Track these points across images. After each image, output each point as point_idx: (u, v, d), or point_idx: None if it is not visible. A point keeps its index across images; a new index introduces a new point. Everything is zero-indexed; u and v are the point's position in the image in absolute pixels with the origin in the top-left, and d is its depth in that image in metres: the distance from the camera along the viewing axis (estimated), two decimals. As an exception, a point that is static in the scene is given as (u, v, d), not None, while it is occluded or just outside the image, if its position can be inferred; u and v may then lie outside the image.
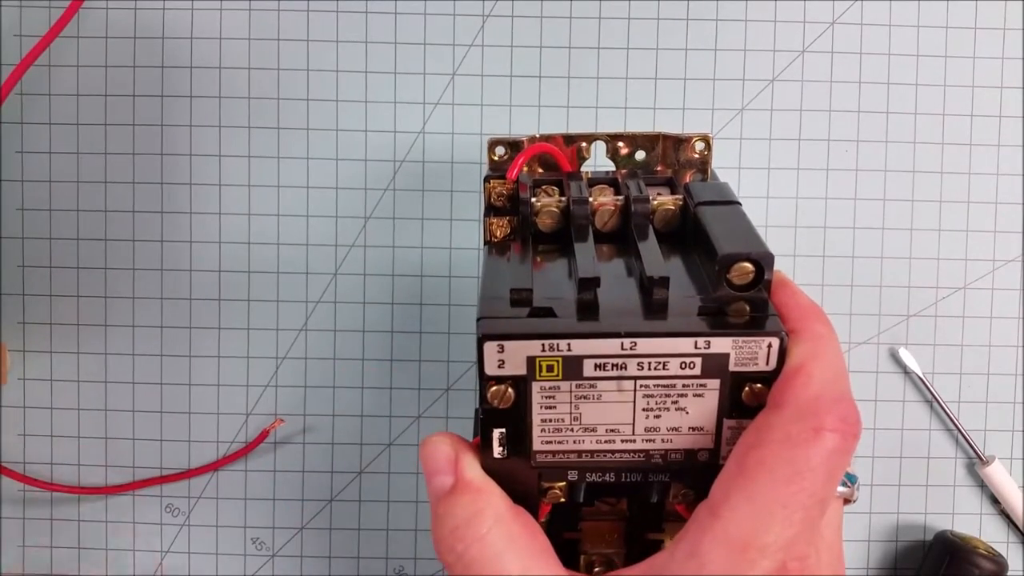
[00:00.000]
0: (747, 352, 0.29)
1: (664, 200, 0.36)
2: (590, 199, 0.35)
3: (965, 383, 0.51)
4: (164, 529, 0.52)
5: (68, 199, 0.51)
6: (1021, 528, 0.51)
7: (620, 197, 0.36)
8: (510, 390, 0.30)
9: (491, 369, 0.29)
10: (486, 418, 0.30)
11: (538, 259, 0.34)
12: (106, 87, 0.50)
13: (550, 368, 0.29)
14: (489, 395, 0.30)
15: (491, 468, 0.31)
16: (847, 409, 0.28)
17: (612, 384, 0.30)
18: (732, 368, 0.29)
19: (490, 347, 0.29)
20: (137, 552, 0.52)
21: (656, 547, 0.35)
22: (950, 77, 0.50)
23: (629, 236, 0.35)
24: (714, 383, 0.30)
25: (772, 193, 0.50)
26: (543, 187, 0.37)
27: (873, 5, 0.50)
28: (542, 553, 0.31)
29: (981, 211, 0.51)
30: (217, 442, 0.52)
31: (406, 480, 0.52)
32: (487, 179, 0.37)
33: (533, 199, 0.36)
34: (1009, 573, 0.50)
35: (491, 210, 0.37)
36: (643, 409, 0.30)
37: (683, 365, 0.29)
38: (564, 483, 0.32)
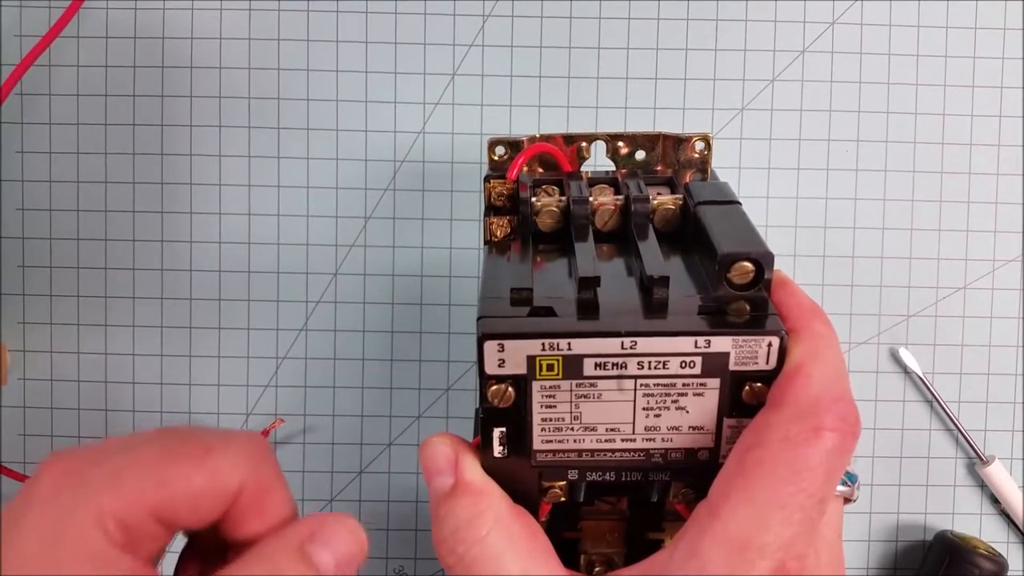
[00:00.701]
0: (747, 351, 0.29)
1: (664, 200, 0.36)
2: (590, 199, 0.35)
3: (965, 383, 0.51)
4: (164, 529, 0.52)
5: (68, 199, 0.51)
6: (1021, 528, 0.51)
7: (620, 197, 0.36)
8: (510, 389, 0.30)
9: (491, 368, 0.29)
10: (486, 417, 0.30)
11: (538, 259, 0.34)
12: (106, 87, 0.50)
13: (550, 367, 0.29)
14: (489, 394, 0.30)
15: (491, 467, 0.31)
16: (846, 409, 0.28)
17: (612, 383, 0.30)
18: (732, 367, 0.29)
19: (490, 346, 0.29)
20: (137, 552, 0.52)
21: (656, 547, 0.35)
22: (950, 77, 0.50)
23: (629, 236, 0.35)
24: (714, 382, 0.30)
25: (772, 193, 0.50)
26: (543, 187, 0.37)
27: (873, 5, 0.50)
28: (543, 554, 0.31)
29: (981, 211, 0.51)
30: (217, 442, 0.52)
31: (406, 480, 0.52)
32: (487, 179, 0.37)
33: (533, 199, 0.36)
34: (1009, 573, 0.50)
35: (491, 210, 0.37)
36: (643, 408, 0.30)
37: (683, 364, 0.29)
38: (564, 482, 0.32)
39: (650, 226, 0.35)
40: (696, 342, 0.29)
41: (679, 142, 0.39)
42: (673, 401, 0.30)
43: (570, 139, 0.40)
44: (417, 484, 0.52)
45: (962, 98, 0.50)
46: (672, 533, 0.35)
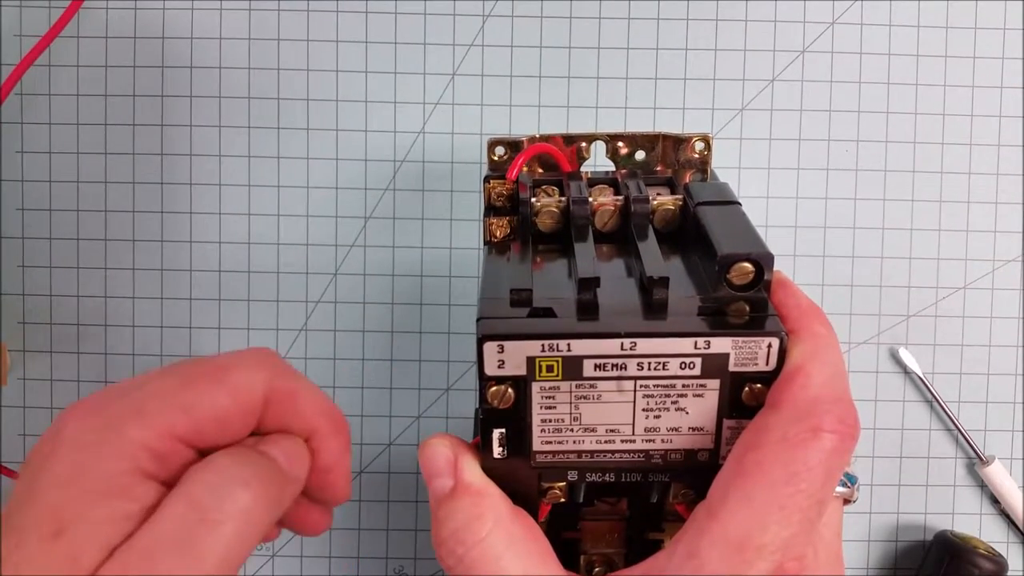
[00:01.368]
0: (747, 352, 0.29)
1: (664, 200, 0.36)
2: (590, 199, 0.35)
3: (965, 383, 0.51)
4: (164, 529, 0.52)
5: (68, 199, 0.51)
6: (1021, 528, 0.51)
7: (620, 197, 0.36)
8: (510, 390, 0.30)
9: (491, 369, 0.29)
10: (486, 418, 0.30)
11: (538, 259, 0.34)
12: (106, 87, 0.50)
13: (550, 368, 0.29)
14: (489, 395, 0.30)
15: (491, 468, 0.31)
16: (845, 410, 0.29)
17: (612, 384, 0.30)
18: (732, 368, 0.29)
19: (490, 347, 0.29)
20: (137, 552, 0.52)
21: (656, 547, 0.35)
22: (950, 77, 0.50)
23: (629, 236, 0.35)
24: (714, 383, 0.30)
25: (772, 193, 0.50)
26: (543, 187, 0.37)
27: (873, 5, 0.50)
28: (542, 555, 0.31)
29: (981, 211, 0.51)
30: (217, 442, 0.52)
31: (406, 480, 0.52)
32: (487, 179, 0.37)
33: (533, 199, 0.36)
34: (1009, 573, 0.50)
35: (491, 210, 0.37)
36: (643, 409, 0.30)
37: (683, 365, 0.29)
38: (564, 483, 0.32)
39: (650, 227, 0.35)
40: (696, 343, 0.29)
41: (679, 142, 0.39)
42: (673, 402, 0.30)
43: (570, 139, 0.40)
44: (417, 484, 0.52)
45: (962, 98, 0.50)
46: (672, 534, 0.35)
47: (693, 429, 0.30)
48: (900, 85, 0.50)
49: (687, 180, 0.38)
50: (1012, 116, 0.50)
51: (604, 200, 0.36)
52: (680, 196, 0.36)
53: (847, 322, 0.51)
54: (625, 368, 0.29)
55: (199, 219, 0.51)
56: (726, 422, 0.30)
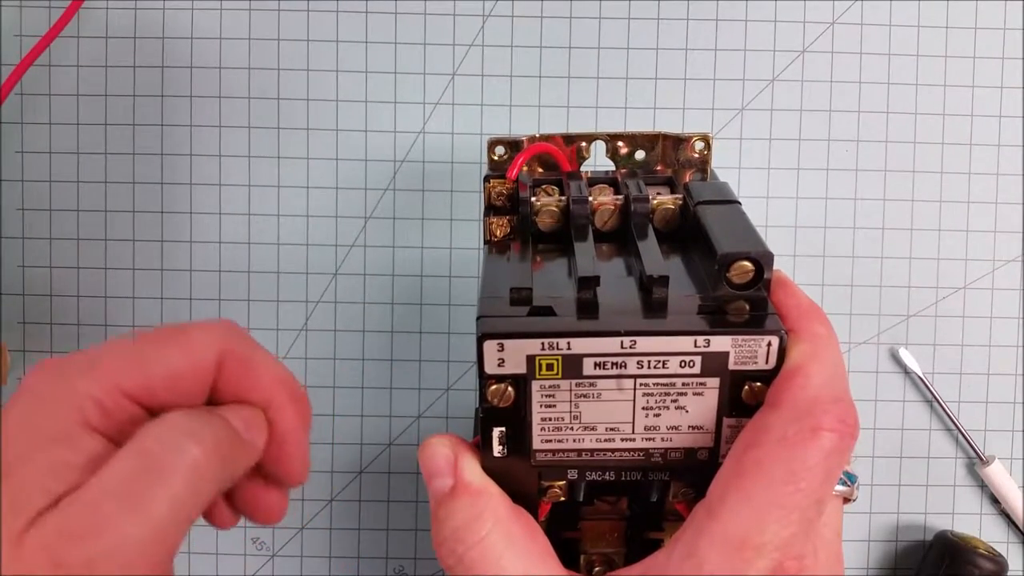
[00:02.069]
0: (747, 351, 0.29)
1: (664, 199, 0.36)
2: (590, 198, 0.35)
3: (965, 383, 0.51)
4: (164, 529, 0.52)
5: (68, 199, 0.51)
6: (1021, 528, 0.51)
7: (620, 196, 0.36)
8: (510, 389, 0.30)
9: (491, 368, 0.29)
10: (486, 417, 0.30)
11: (538, 258, 0.34)
12: (106, 87, 0.50)
13: (550, 367, 0.29)
14: (489, 394, 0.30)
15: (491, 467, 0.31)
16: (845, 409, 0.29)
17: (612, 383, 0.30)
18: (732, 367, 0.29)
19: (490, 346, 0.29)
20: (137, 552, 0.52)
21: (656, 546, 0.35)
22: (950, 77, 0.50)
23: (629, 235, 0.35)
24: (714, 382, 0.30)
25: (772, 193, 0.50)
26: (543, 187, 0.37)
27: (873, 5, 0.50)
28: (542, 554, 0.31)
29: (981, 211, 0.51)
30: (217, 442, 0.52)
31: (406, 480, 0.52)
32: (487, 179, 0.37)
33: (533, 198, 0.36)
34: (1009, 573, 0.50)
35: (491, 210, 0.37)
36: (643, 408, 0.30)
37: (683, 364, 0.29)
38: (564, 482, 0.32)
39: (650, 226, 0.35)
40: (696, 341, 0.29)
41: (679, 142, 0.39)
42: (673, 401, 0.30)
43: (570, 139, 0.40)
44: (417, 484, 0.52)
45: (962, 98, 0.50)
46: (672, 533, 0.35)
47: (693, 428, 0.30)
48: (900, 85, 0.50)
49: (687, 180, 0.38)
50: (1012, 116, 0.50)
51: (604, 199, 0.36)
52: (680, 195, 0.36)
53: (847, 322, 0.51)
54: (625, 366, 0.29)
55: (199, 219, 0.51)
56: (726, 421, 0.30)
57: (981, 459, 0.51)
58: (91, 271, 0.51)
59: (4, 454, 0.27)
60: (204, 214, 0.51)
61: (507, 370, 0.29)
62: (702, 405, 0.30)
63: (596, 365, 0.29)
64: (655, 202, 0.36)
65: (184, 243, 0.51)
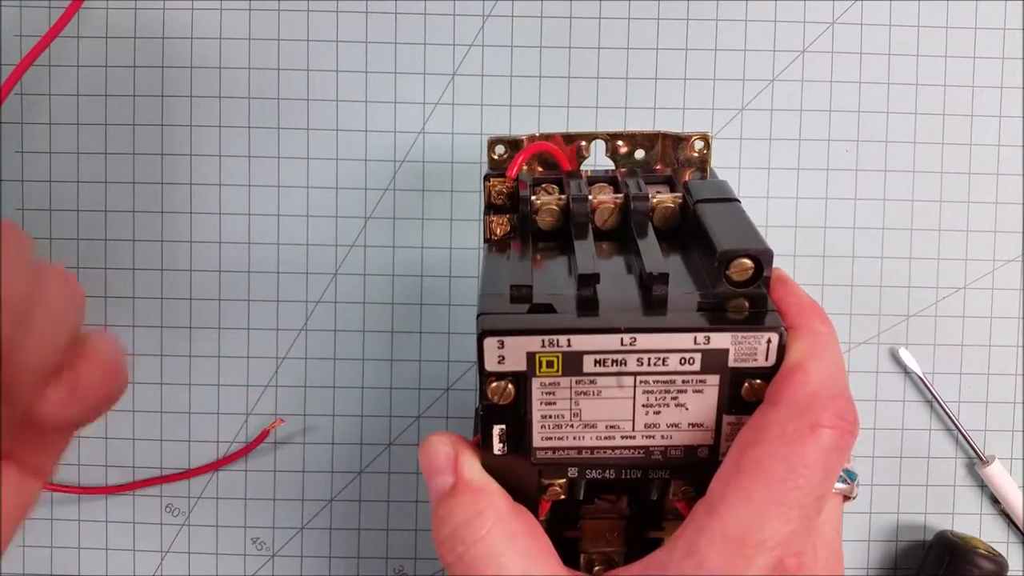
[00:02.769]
0: (746, 348, 0.29)
1: (663, 198, 0.36)
2: (590, 197, 0.35)
3: (965, 383, 0.51)
4: (164, 529, 0.52)
5: (68, 199, 0.51)
6: (1021, 528, 0.51)
7: (619, 195, 0.36)
8: (510, 386, 0.30)
9: (491, 365, 0.29)
10: (486, 415, 0.30)
11: (538, 257, 0.34)
12: (106, 87, 0.50)
13: (550, 364, 0.29)
14: (489, 391, 0.30)
15: (491, 465, 0.31)
16: (844, 406, 0.29)
17: (612, 380, 0.30)
18: (731, 364, 0.29)
19: (490, 343, 0.29)
20: (137, 552, 0.52)
21: (656, 545, 0.35)
22: (950, 77, 0.50)
23: (629, 234, 0.35)
24: (713, 379, 0.30)
25: (772, 193, 0.50)
26: (543, 185, 0.37)
27: (873, 5, 0.50)
28: (543, 553, 0.31)
29: (981, 211, 0.51)
30: (217, 442, 0.52)
31: (406, 480, 0.52)
32: (487, 177, 0.37)
33: (533, 197, 0.36)
34: (1009, 573, 0.50)
35: (491, 208, 0.37)
36: (643, 405, 0.30)
37: (683, 361, 0.29)
38: (564, 480, 0.32)
39: (649, 224, 0.35)
40: (695, 338, 0.29)
41: (678, 141, 0.39)
42: (673, 398, 0.30)
43: (570, 138, 0.40)
44: (417, 484, 0.52)
45: (962, 98, 0.50)
46: (672, 531, 0.35)
47: (693, 425, 0.30)
48: (900, 85, 0.50)
49: (687, 178, 0.38)
50: (1012, 116, 0.50)
51: (604, 198, 0.36)
52: (679, 194, 0.36)
53: (847, 322, 0.51)
54: (625, 364, 0.29)
55: (199, 219, 0.51)
56: (726, 418, 0.30)
57: (981, 459, 0.51)
58: (91, 271, 0.51)
59: None
60: (204, 214, 0.51)
61: (507, 367, 0.29)
62: (702, 402, 0.30)
63: (596, 362, 0.29)
64: (655, 200, 0.36)
65: (184, 243, 0.51)
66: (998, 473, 0.51)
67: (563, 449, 0.31)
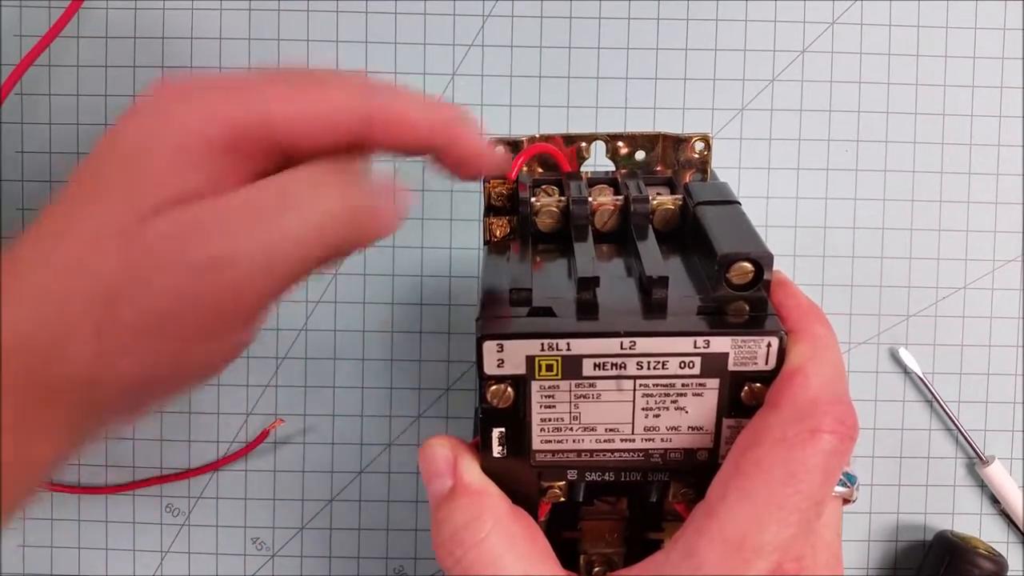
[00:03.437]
0: (746, 351, 0.29)
1: (664, 200, 0.36)
2: (590, 199, 0.35)
3: (965, 383, 0.51)
4: (164, 529, 0.52)
5: (68, 199, 0.51)
6: (1021, 528, 0.51)
7: (619, 197, 0.36)
8: (509, 389, 0.30)
9: (490, 368, 0.29)
10: (485, 418, 0.30)
11: (538, 259, 0.34)
12: (106, 87, 0.50)
13: (549, 367, 0.29)
14: (488, 394, 0.30)
15: (491, 468, 0.31)
16: (844, 411, 0.29)
17: (611, 383, 0.30)
18: (731, 367, 0.29)
19: (489, 346, 0.29)
20: (137, 552, 0.52)
21: (656, 547, 0.35)
22: (950, 77, 0.50)
23: (628, 236, 0.35)
24: (713, 382, 0.30)
25: (772, 193, 0.50)
26: (543, 187, 0.37)
27: (873, 5, 0.50)
28: (542, 555, 0.31)
29: (981, 211, 0.51)
30: (217, 442, 0.52)
31: (406, 480, 0.52)
32: (487, 179, 0.37)
33: (533, 199, 0.36)
34: (1009, 573, 0.50)
35: (491, 210, 0.37)
36: (642, 408, 0.30)
37: (682, 364, 0.29)
38: (564, 482, 0.32)
39: (649, 226, 0.35)
40: (695, 342, 0.29)
41: (679, 142, 0.39)
42: (672, 401, 0.30)
43: (570, 139, 0.40)
44: (417, 484, 0.52)
45: (962, 98, 0.50)
46: (671, 533, 0.34)
47: (692, 428, 0.30)
48: (900, 85, 0.50)
49: (687, 180, 0.38)
50: (1012, 116, 0.50)
51: (604, 200, 0.36)
52: (680, 196, 0.36)
53: (847, 322, 0.51)
54: (624, 367, 0.29)
55: (199, 219, 0.51)
56: (725, 421, 0.30)
57: (981, 459, 0.51)
58: (91, 271, 0.51)
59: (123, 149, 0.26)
60: (204, 214, 0.51)
61: (507, 371, 0.29)
62: (702, 406, 0.30)
63: (596, 366, 0.29)
64: (655, 202, 0.36)
65: (184, 243, 0.51)
66: (998, 473, 0.51)
67: (563, 452, 0.31)
